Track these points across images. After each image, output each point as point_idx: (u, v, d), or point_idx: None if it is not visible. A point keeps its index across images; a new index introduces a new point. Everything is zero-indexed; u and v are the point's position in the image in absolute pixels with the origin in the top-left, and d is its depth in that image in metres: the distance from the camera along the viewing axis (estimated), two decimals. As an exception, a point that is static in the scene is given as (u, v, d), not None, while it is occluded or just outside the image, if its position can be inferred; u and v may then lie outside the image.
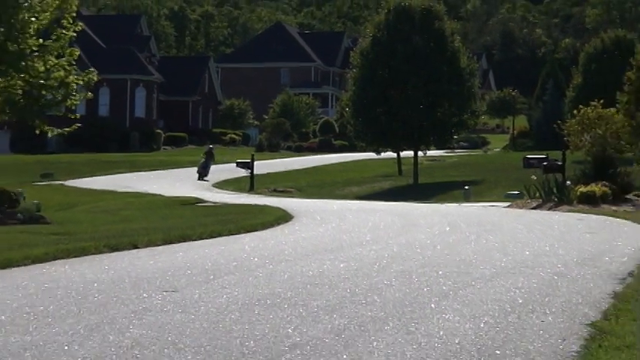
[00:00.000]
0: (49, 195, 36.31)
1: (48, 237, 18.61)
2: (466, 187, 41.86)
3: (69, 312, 9.66)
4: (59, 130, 28.03)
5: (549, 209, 30.21)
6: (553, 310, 10.04)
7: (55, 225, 22.75)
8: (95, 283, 11.81)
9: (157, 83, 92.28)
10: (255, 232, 20.38)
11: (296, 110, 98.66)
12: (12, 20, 26.29)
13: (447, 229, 21.24)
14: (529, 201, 32.77)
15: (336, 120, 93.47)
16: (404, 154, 56.32)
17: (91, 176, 54.85)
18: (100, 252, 15.65)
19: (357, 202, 37.85)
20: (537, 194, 32.95)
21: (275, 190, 46.42)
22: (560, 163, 34.83)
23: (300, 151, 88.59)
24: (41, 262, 14.16)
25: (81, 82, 27.61)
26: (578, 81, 68.24)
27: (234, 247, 16.74)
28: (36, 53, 26.64)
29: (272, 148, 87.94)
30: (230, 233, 19.77)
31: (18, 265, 13.75)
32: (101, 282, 11.89)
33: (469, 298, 10.70)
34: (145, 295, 10.83)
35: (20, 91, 26.80)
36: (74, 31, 27.20)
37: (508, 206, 32.54)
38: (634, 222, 23.53)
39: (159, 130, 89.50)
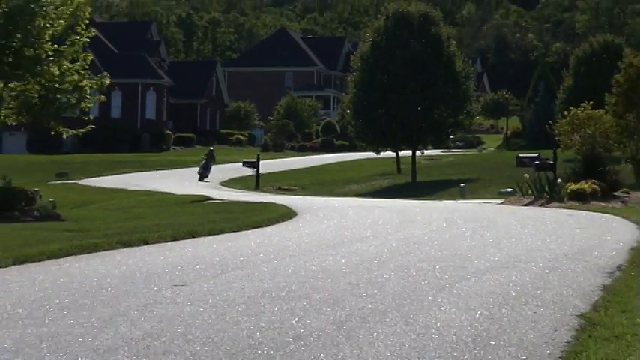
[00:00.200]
0: (64, 194, 36.31)
1: (63, 234, 18.62)
2: (462, 185, 41.84)
3: (83, 305, 9.66)
4: (73, 132, 28.06)
5: (541, 206, 30.19)
6: (545, 302, 10.04)
7: (69, 222, 22.76)
8: (108, 277, 11.81)
9: (167, 87, 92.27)
10: (261, 229, 20.37)
11: (299, 112, 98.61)
12: (28, 27, 26.31)
13: (444, 225, 21.22)
14: (522, 198, 32.77)
15: (338, 121, 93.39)
16: (402, 153, 56.32)
17: (104, 175, 54.80)
18: (113, 248, 15.66)
19: (358, 199, 37.83)
20: (530, 192, 32.95)
21: (279, 189, 46.43)
22: (551, 162, 34.82)
23: (303, 151, 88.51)
24: (56, 258, 14.17)
25: (94, 86, 27.65)
26: (568, 83, 68.20)
27: (241, 243, 16.74)
28: (51, 58, 26.67)
29: (277, 149, 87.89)
30: (237, 230, 19.76)
31: (34, 261, 13.76)
32: (113, 276, 11.90)
33: (465, 291, 10.70)
34: (155, 288, 10.83)
35: (36, 95, 26.86)
36: (88, 37, 27.25)
37: (502, 203, 32.53)
38: (622, 218, 23.51)
39: (168, 132, 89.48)
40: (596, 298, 10.30)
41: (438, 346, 7.73)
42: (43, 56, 26.50)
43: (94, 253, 14.90)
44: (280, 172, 57.19)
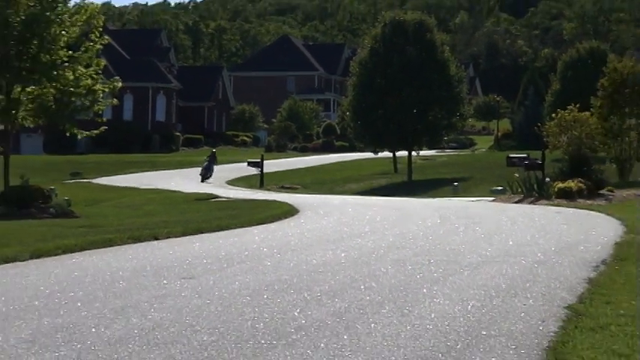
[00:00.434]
0: (78, 192, 36.29)
1: (77, 230, 18.62)
2: (455, 184, 41.83)
3: (96, 297, 9.66)
4: (87, 133, 28.06)
5: (530, 203, 30.15)
6: (534, 294, 10.03)
7: (83, 219, 22.75)
8: (120, 271, 11.81)
9: (176, 90, 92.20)
10: (264, 225, 20.33)
11: (301, 114, 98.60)
12: (44, 34, 26.34)
13: (438, 221, 21.21)
14: (512, 196, 32.73)
15: (338, 123, 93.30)
16: (399, 153, 56.27)
17: (116, 175, 54.77)
18: (124, 243, 15.64)
19: (357, 197, 37.80)
20: (519, 190, 32.91)
21: (282, 187, 46.39)
22: (540, 162, 34.78)
23: (305, 151, 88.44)
24: (71, 252, 14.16)
25: (107, 90, 27.66)
26: (556, 87, 68.11)
27: (245, 239, 16.73)
28: (66, 64, 26.68)
29: (280, 149, 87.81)
30: (241, 226, 19.74)
31: (50, 255, 13.75)
32: (125, 270, 11.89)
33: (458, 284, 10.69)
34: (164, 281, 10.82)
35: (52, 98, 26.87)
36: (101, 44, 27.24)
37: (493, 201, 32.50)
38: (607, 215, 23.48)
39: (177, 133, 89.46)
40: (582, 291, 10.28)
41: (433, 336, 7.73)
42: (59, 62, 26.52)
43: (107, 248, 14.89)
44: (283, 171, 57.15)
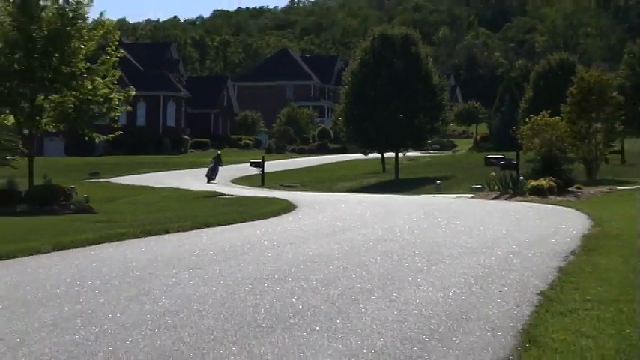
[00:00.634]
0: (96, 190, 36.24)
1: (95, 225, 18.60)
2: (438, 182, 41.82)
3: (112, 285, 9.65)
4: (104, 137, 28.05)
5: (506, 200, 30.17)
6: (509, 282, 10.04)
7: (101, 215, 22.74)
8: (134, 262, 11.80)
9: (185, 98, 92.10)
10: (266, 220, 20.34)
11: (298, 120, 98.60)
12: (65, 48, 26.37)
13: (422, 216, 21.21)
14: (489, 193, 32.74)
15: (331, 127, 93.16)
16: (387, 154, 56.29)
17: (131, 174, 54.70)
18: (138, 237, 15.64)
19: (349, 194, 37.80)
20: (496, 187, 32.93)
21: (282, 185, 46.35)
22: (514, 162, 34.82)
23: (302, 153, 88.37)
24: (90, 245, 14.16)
25: (122, 98, 27.67)
26: (529, 95, 68.09)
27: (248, 232, 16.72)
28: (85, 74, 26.68)
29: (279, 151, 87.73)
30: (244, 221, 19.74)
31: (71, 247, 13.75)
32: (139, 261, 11.88)
33: (440, 273, 10.70)
34: (174, 271, 10.82)
35: (72, 106, 26.88)
36: (117, 57, 27.24)
37: (472, 197, 32.49)
38: (576, 210, 23.52)
39: (186, 137, 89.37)
40: (552, 279, 10.30)
41: (417, 320, 7.74)
42: (78, 73, 26.55)
43: (122, 241, 14.88)
44: (282, 171, 57.11)
